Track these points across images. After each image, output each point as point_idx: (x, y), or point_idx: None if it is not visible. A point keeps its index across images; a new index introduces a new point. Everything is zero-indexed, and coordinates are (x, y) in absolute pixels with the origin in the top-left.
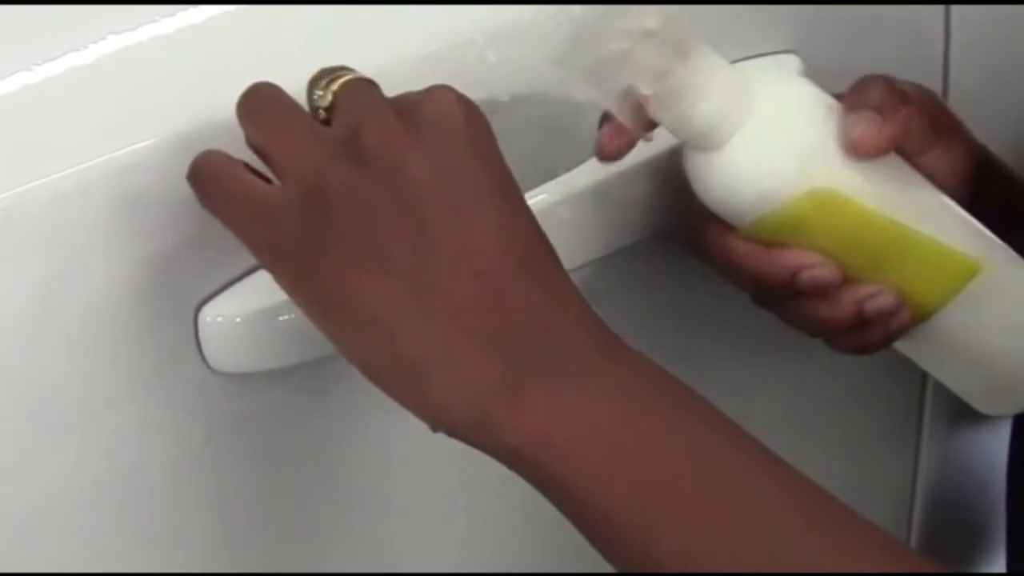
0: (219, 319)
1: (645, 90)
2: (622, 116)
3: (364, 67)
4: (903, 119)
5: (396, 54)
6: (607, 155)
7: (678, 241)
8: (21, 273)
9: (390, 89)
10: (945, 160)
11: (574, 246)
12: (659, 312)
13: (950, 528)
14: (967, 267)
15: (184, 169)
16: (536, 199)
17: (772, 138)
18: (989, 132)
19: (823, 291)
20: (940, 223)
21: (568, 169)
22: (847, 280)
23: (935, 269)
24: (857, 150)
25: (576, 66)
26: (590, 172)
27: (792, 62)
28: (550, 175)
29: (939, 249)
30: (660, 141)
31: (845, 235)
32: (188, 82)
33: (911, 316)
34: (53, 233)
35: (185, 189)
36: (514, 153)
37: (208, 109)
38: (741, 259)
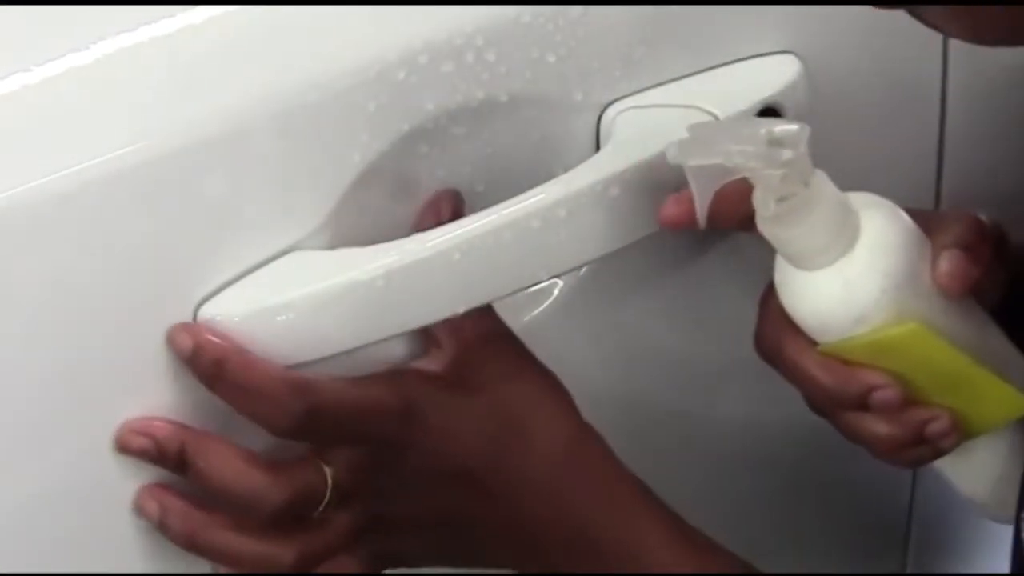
0: (218, 318)
1: (764, 211)
2: (702, 203)
3: (363, 66)
4: (987, 259)
5: (396, 53)
6: (667, 217)
7: (757, 349)
8: (20, 272)
9: (386, 89)
10: (996, 279)
11: (573, 246)
12: (658, 311)
13: (949, 528)
14: (1021, 404)
15: (183, 168)
16: (535, 199)
17: (875, 268)
18: (989, 132)
19: (890, 410)
20: (1000, 359)
21: (566, 169)
22: (909, 400)
23: (991, 401)
24: (947, 287)
25: (690, 162)
26: (589, 172)
27: (805, 131)
28: (548, 175)
29: (998, 385)
30: (658, 143)
31: (920, 364)
32: (188, 82)
33: (959, 439)
34: (52, 233)
35: (183, 189)
36: (512, 153)
37: (206, 109)
38: (819, 373)
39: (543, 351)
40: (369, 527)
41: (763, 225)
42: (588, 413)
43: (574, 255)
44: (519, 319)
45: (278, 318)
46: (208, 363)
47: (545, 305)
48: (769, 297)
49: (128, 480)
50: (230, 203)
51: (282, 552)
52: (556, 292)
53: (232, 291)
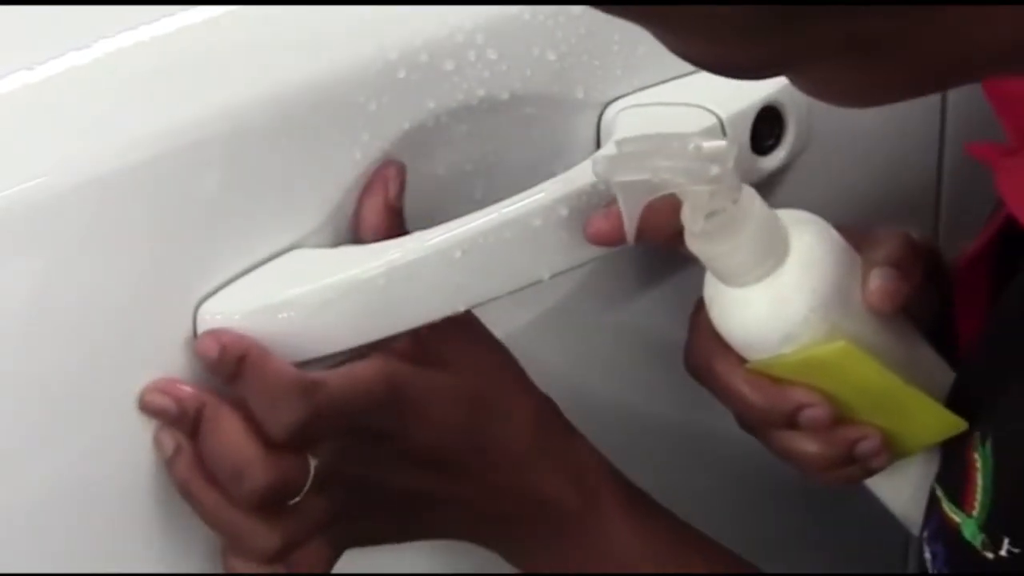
0: (218, 316)
1: (693, 227)
2: (630, 219)
3: (364, 65)
4: (918, 277)
5: (397, 52)
6: (594, 233)
7: (687, 366)
8: (20, 271)
9: (387, 87)
10: (930, 298)
11: (574, 244)
12: (657, 311)
13: None
14: (952, 424)
15: (184, 167)
16: (535, 198)
17: (803, 285)
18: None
19: (819, 429)
20: (931, 379)
21: (567, 167)
22: (838, 419)
23: (922, 422)
24: (877, 305)
25: (617, 178)
26: (588, 170)
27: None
28: (549, 173)
29: (929, 404)
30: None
31: (850, 382)
32: (187, 82)
33: (890, 458)
34: (52, 231)
35: (185, 188)
36: (513, 151)
37: (207, 108)
38: (748, 391)
39: (538, 354)
40: (345, 512)
41: (692, 242)
42: (584, 415)
43: (575, 253)
44: (513, 322)
45: (279, 316)
46: (233, 361)
47: (540, 308)
48: (698, 313)
49: (128, 480)
50: (231, 201)
51: (264, 535)
52: (550, 295)
53: (233, 289)
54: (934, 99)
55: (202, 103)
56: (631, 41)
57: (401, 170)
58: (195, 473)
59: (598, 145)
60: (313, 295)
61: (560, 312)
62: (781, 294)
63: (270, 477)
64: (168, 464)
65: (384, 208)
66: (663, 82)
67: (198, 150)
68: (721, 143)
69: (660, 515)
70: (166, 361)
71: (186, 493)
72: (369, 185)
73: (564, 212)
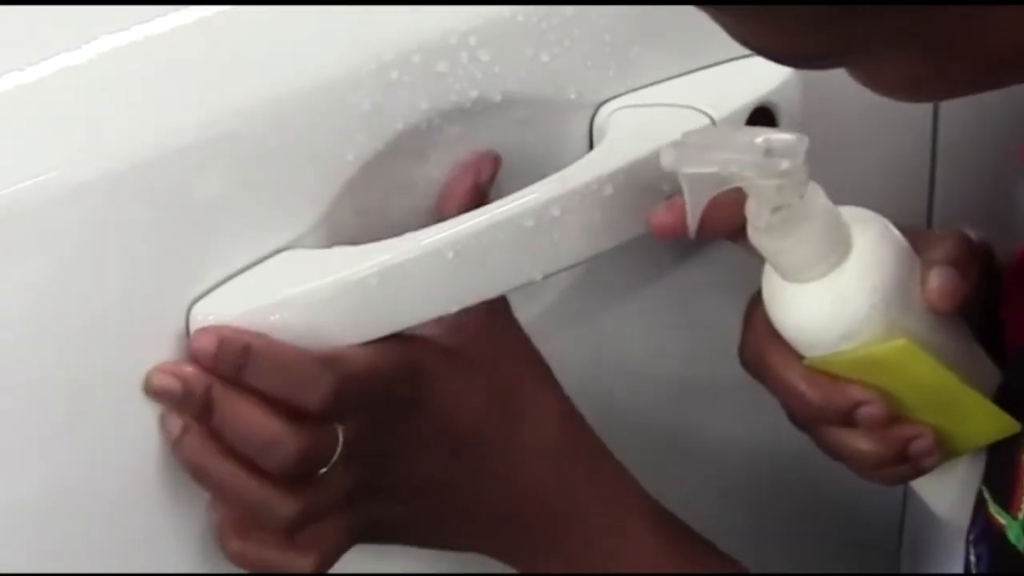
0: (211, 317)
1: (758, 222)
2: (694, 212)
3: (359, 65)
4: (976, 276)
5: (390, 53)
6: (657, 225)
7: (741, 360)
8: (16, 272)
9: (380, 88)
10: (983, 297)
11: (566, 245)
12: (655, 310)
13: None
14: (1005, 425)
15: (177, 168)
16: (527, 198)
17: (865, 283)
18: (982, 131)
19: (875, 426)
20: (984, 378)
21: (560, 168)
22: (893, 417)
23: (976, 422)
24: (937, 304)
25: (684, 169)
26: (582, 171)
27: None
28: (541, 174)
29: (983, 405)
30: (651, 142)
31: (907, 381)
32: (181, 82)
33: (941, 458)
34: (47, 232)
35: (177, 189)
36: (505, 152)
37: (200, 109)
38: (805, 387)
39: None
40: (363, 491)
41: (755, 236)
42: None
43: (568, 254)
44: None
45: (272, 317)
46: (235, 353)
47: (533, 312)
48: (755, 308)
49: (124, 479)
50: (225, 202)
51: (285, 504)
52: (543, 300)
53: (226, 290)
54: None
55: (195, 104)
56: (624, 42)
57: (497, 161)
58: (208, 449)
59: (591, 146)
60: (306, 296)
61: (547, 320)
62: (842, 291)
63: (304, 444)
64: (175, 445)
65: (473, 187)
66: (656, 83)
67: (191, 151)
68: (791, 136)
69: (689, 536)
70: (158, 361)
71: (198, 469)
72: (466, 164)
73: (557, 213)
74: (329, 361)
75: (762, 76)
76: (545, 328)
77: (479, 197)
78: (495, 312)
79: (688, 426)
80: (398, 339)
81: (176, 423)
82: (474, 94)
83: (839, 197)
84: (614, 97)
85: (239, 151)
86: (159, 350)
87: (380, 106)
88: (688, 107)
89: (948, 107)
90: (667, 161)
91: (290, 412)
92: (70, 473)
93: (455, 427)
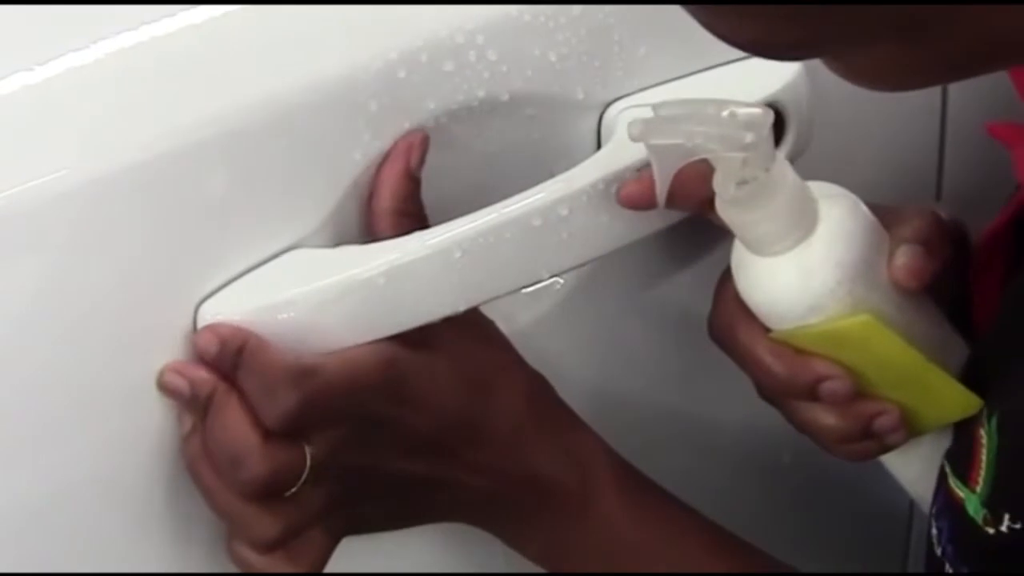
0: (219, 316)
1: (724, 194)
2: (663, 183)
3: (365, 65)
4: (945, 255)
5: (397, 52)
6: (625, 196)
7: (710, 333)
8: (21, 272)
9: (387, 87)
10: (955, 277)
11: (574, 244)
12: (658, 310)
13: None
14: (970, 403)
15: (185, 167)
16: (535, 198)
17: (831, 258)
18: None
19: (839, 401)
20: (951, 356)
21: (567, 168)
22: (858, 393)
23: (940, 399)
24: (903, 281)
25: (651, 140)
26: (590, 170)
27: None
28: (549, 173)
29: (949, 383)
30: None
31: (872, 357)
32: (188, 82)
33: (907, 434)
34: (53, 231)
35: (185, 188)
36: (512, 151)
37: (208, 108)
38: (770, 360)
39: (535, 355)
40: (341, 500)
41: (722, 208)
42: (589, 397)
43: (575, 253)
44: (510, 324)
45: (279, 316)
46: (233, 353)
47: (538, 311)
48: (725, 282)
49: (130, 478)
50: (231, 202)
51: (262, 522)
52: (550, 297)
53: (233, 289)
54: (935, 98)
55: (203, 103)
56: (632, 42)
57: (425, 140)
58: (201, 456)
59: (598, 146)
60: (313, 295)
61: (552, 317)
62: (808, 265)
63: (266, 468)
64: (182, 442)
65: (404, 175)
66: (664, 82)
67: (199, 150)
68: (756, 110)
69: (655, 492)
70: (166, 361)
71: (193, 474)
72: (391, 153)
73: (564, 212)
74: (300, 376)
75: (770, 75)
76: (550, 327)
77: (412, 184)
78: None
79: (692, 425)
80: (376, 347)
81: (188, 420)
82: (481, 93)
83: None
84: (622, 97)
85: (246, 150)
86: (168, 349)
87: (387, 105)
88: None
89: (956, 101)
90: (634, 132)
91: (269, 433)
92: (74, 471)
93: (431, 425)
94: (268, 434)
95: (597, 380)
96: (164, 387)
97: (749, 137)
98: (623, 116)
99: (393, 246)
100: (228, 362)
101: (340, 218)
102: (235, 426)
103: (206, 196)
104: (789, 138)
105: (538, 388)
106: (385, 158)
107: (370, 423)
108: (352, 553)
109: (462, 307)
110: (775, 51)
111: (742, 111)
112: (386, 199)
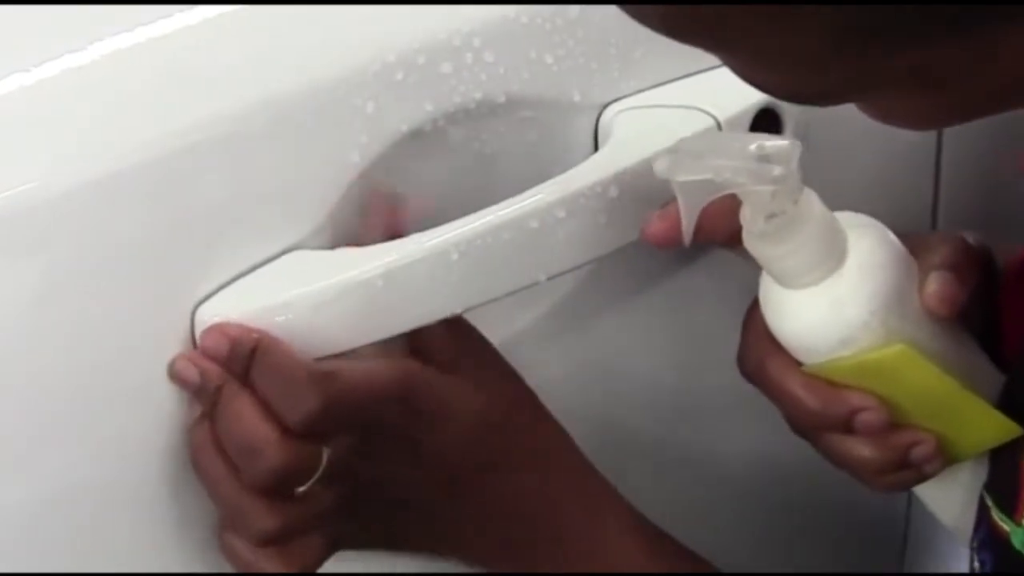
0: (216, 318)
1: (752, 228)
2: (689, 219)
3: (362, 67)
4: (974, 280)
5: (394, 54)
6: (652, 234)
7: (740, 368)
8: (19, 273)
9: (384, 89)
10: (984, 302)
11: (571, 246)
12: (657, 312)
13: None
14: (1006, 429)
15: (182, 169)
16: (532, 200)
17: (862, 289)
18: (986, 132)
19: (874, 433)
20: (985, 383)
21: (565, 170)
22: (893, 423)
23: (976, 426)
24: (935, 309)
25: (678, 177)
26: (587, 172)
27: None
28: (546, 175)
29: (984, 409)
30: (656, 144)
31: (906, 387)
32: (186, 83)
33: (944, 463)
34: (51, 233)
35: (182, 190)
36: (510, 153)
37: (204, 110)
38: (803, 394)
39: (525, 368)
40: (345, 508)
41: (750, 242)
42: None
43: (572, 256)
44: (507, 328)
45: (277, 318)
46: (245, 353)
47: (533, 316)
48: (753, 315)
49: (127, 480)
50: (229, 203)
51: (262, 517)
52: (544, 303)
53: (231, 291)
54: None
55: (200, 105)
56: (628, 43)
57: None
58: (207, 444)
59: (595, 148)
60: (311, 297)
61: (541, 330)
62: (839, 297)
63: (284, 459)
64: (189, 431)
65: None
66: (661, 84)
67: (196, 152)
68: (784, 142)
69: (664, 537)
70: (163, 363)
71: (196, 461)
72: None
73: (562, 214)
74: (322, 378)
75: None
76: (546, 332)
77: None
78: (469, 330)
79: (690, 431)
80: (397, 363)
81: (196, 411)
82: (478, 95)
83: (844, 200)
84: (619, 99)
85: (243, 152)
86: (165, 352)
87: (384, 107)
88: (693, 108)
89: None
90: (660, 168)
91: (282, 425)
92: (73, 473)
93: (445, 450)
94: (285, 430)
95: (588, 386)
96: (175, 375)
97: (778, 170)
98: (620, 118)
99: (391, 248)
100: (240, 363)
101: (338, 220)
102: (251, 418)
103: (204, 198)
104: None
105: (560, 442)
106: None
107: (383, 433)
108: (356, 551)
109: (459, 309)
110: (803, 98)
111: (769, 144)
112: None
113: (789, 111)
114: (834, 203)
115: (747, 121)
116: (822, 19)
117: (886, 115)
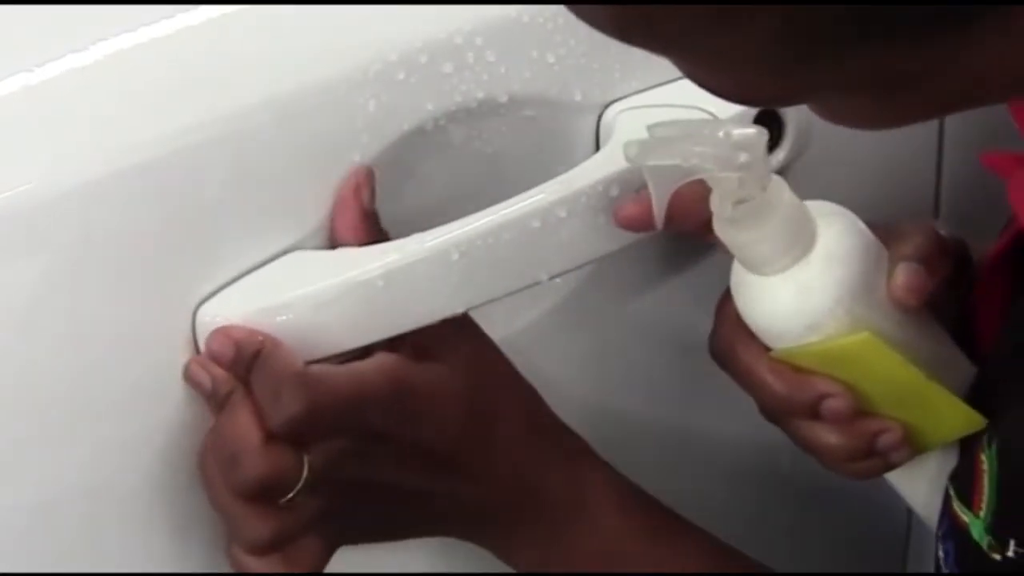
0: (217, 318)
1: (721, 214)
2: (660, 204)
3: (363, 66)
4: (945, 272)
5: (396, 53)
6: (624, 218)
7: (711, 351)
8: (20, 273)
9: (385, 89)
10: (956, 294)
11: (572, 246)
12: (657, 312)
13: None
14: (972, 421)
15: (183, 169)
16: (534, 199)
17: (829, 276)
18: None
19: (840, 420)
20: (953, 374)
21: (566, 169)
22: (860, 411)
23: (943, 417)
24: (902, 299)
25: (648, 162)
26: (588, 172)
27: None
28: (547, 175)
29: (950, 401)
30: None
31: (872, 375)
32: (188, 83)
33: (910, 452)
34: (52, 233)
35: (184, 190)
36: (511, 153)
37: (206, 110)
38: (771, 379)
39: (530, 360)
40: (338, 510)
41: (720, 228)
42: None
43: (574, 255)
44: (507, 328)
45: (278, 318)
46: (250, 357)
47: (528, 320)
48: (725, 301)
49: (128, 481)
50: (230, 203)
51: (255, 526)
52: (546, 302)
53: (232, 291)
54: None
55: (201, 105)
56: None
57: (370, 174)
58: (208, 451)
59: (597, 147)
60: (312, 297)
61: (543, 326)
62: (807, 284)
63: (262, 469)
64: (204, 443)
65: (361, 219)
66: (662, 84)
67: (197, 152)
68: (751, 130)
69: (653, 505)
70: (164, 363)
71: (199, 466)
72: (341, 199)
73: (563, 214)
74: (308, 382)
75: None
76: (546, 331)
77: (370, 224)
78: (457, 321)
79: (690, 427)
80: (383, 360)
81: (196, 410)
82: (480, 95)
83: (845, 196)
84: (620, 98)
85: (245, 152)
86: (165, 352)
87: (386, 107)
88: (694, 108)
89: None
90: (630, 153)
91: (272, 436)
92: (74, 473)
93: (434, 439)
94: (270, 437)
95: (590, 383)
96: (189, 378)
97: (744, 157)
98: (622, 117)
99: (392, 248)
100: (244, 366)
101: None
102: (241, 424)
103: (205, 197)
104: (787, 141)
105: (534, 401)
106: (338, 200)
107: (371, 437)
108: (353, 552)
109: (460, 309)
110: (758, 102)
111: (736, 131)
112: (350, 242)
113: (791, 110)
114: (835, 201)
115: (748, 120)
116: (765, 21)
117: (840, 117)
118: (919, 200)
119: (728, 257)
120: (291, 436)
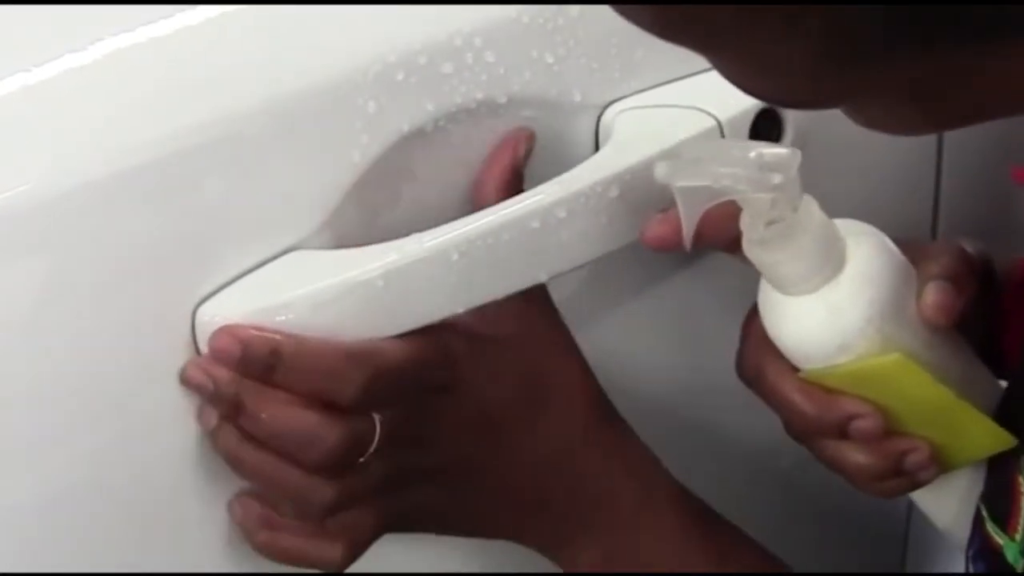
0: (217, 318)
1: (752, 234)
2: (689, 224)
3: (363, 67)
4: (973, 290)
5: (395, 54)
6: (652, 238)
7: (739, 372)
8: (19, 273)
9: (385, 89)
10: (983, 311)
11: (572, 246)
12: (657, 312)
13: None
14: (1001, 440)
15: (183, 169)
16: (533, 199)
17: (860, 297)
18: (985, 137)
19: (870, 440)
20: (981, 392)
21: (565, 169)
22: (888, 430)
23: (971, 435)
24: (932, 318)
25: (678, 183)
26: (588, 172)
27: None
28: (547, 176)
29: (979, 419)
30: (657, 144)
31: (902, 395)
32: (188, 83)
33: (938, 471)
34: (52, 233)
35: (183, 189)
36: None
37: (206, 110)
38: (799, 399)
39: None
40: (398, 477)
41: (749, 249)
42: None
43: (573, 255)
44: None
45: (277, 318)
46: (263, 356)
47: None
48: (752, 320)
49: (130, 479)
50: (230, 203)
51: (322, 490)
52: (560, 290)
53: (231, 291)
54: None
55: (200, 105)
56: (629, 44)
57: (531, 136)
58: (244, 443)
59: (596, 148)
60: (311, 297)
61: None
62: (837, 304)
63: (341, 437)
64: (212, 436)
65: (511, 168)
66: (661, 84)
67: (197, 152)
68: (784, 151)
69: (708, 510)
70: (164, 363)
71: (235, 460)
72: (501, 145)
73: (562, 214)
74: (361, 356)
75: None
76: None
77: (516, 178)
78: (531, 299)
79: (689, 430)
80: (430, 328)
81: (212, 415)
82: (479, 95)
83: (844, 205)
84: (620, 99)
85: (244, 152)
86: (165, 351)
87: (385, 107)
88: (694, 108)
89: None
90: (660, 174)
91: (325, 405)
92: (73, 473)
93: (485, 410)
94: (330, 410)
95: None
96: (186, 382)
97: (777, 178)
98: (621, 118)
99: (392, 248)
100: (257, 365)
101: (339, 220)
102: (288, 412)
103: (205, 198)
104: (786, 142)
105: (600, 398)
106: (494, 151)
107: (429, 399)
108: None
109: (460, 309)
110: (796, 104)
111: (769, 152)
112: (491, 193)
113: (790, 113)
114: (833, 209)
115: (748, 122)
116: (808, 23)
117: (876, 123)
118: (917, 209)
119: (730, 260)
120: (362, 405)
